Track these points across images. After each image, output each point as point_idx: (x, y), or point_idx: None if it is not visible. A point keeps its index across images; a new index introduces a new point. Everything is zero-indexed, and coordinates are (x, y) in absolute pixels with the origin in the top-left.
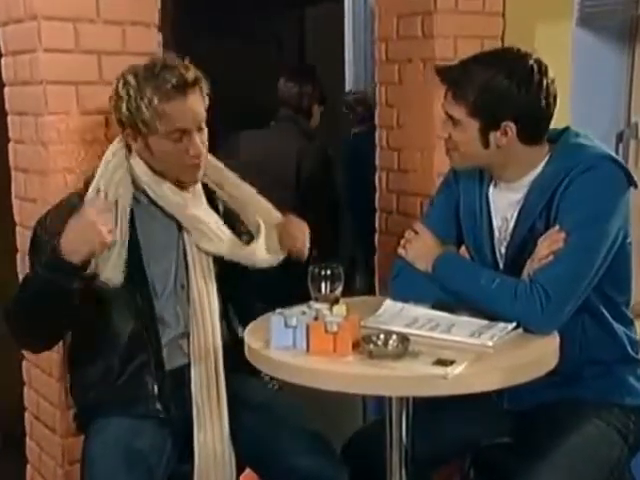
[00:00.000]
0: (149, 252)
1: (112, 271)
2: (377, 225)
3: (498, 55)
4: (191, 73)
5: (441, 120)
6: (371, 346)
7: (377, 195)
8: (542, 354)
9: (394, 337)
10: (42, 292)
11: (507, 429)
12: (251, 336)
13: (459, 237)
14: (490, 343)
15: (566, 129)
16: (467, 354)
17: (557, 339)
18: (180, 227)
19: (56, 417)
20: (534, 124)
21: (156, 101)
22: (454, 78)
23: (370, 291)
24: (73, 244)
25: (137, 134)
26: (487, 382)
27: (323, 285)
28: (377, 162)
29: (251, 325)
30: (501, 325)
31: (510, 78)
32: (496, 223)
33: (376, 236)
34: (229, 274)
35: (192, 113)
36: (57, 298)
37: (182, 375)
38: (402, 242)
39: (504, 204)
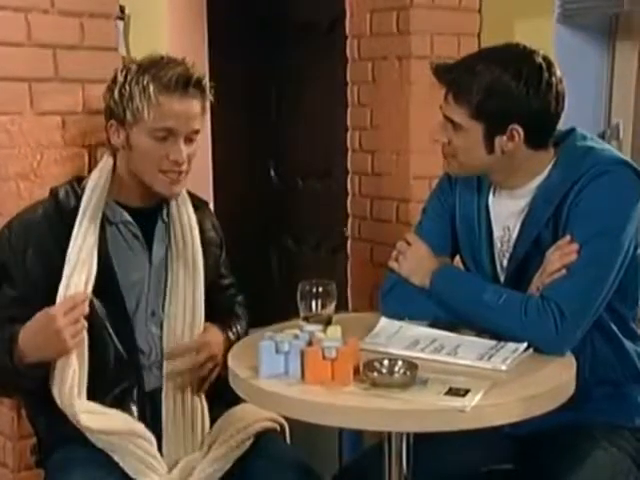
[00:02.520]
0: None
1: None
2: (350, 231)
3: (502, 53)
4: (196, 73)
5: (439, 124)
6: (375, 374)
7: (349, 200)
8: (563, 380)
9: (399, 363)
10: None
11: (509, 455)
12: (236, 362)
13: (454, 248)
14: (503, 367)
15: (572, 130)
16: (480, 381)
17: (574, 361)
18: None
19: (7, 449)
20: (543, 127)
21: (151, 88)
22: (455, 79)
23: None
24: (31, 347)
25: (121, 125)
26: (508, 414)
27: (314, 303)
28: (349, 165)
29: (234, 349)
30: (511, 346)
31: (517, 78)
32: (497, 233)
33: (349, 243)
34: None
35: (187, 116)
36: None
37: (160, 397)
38: (394, 254)
39: (505, 213)
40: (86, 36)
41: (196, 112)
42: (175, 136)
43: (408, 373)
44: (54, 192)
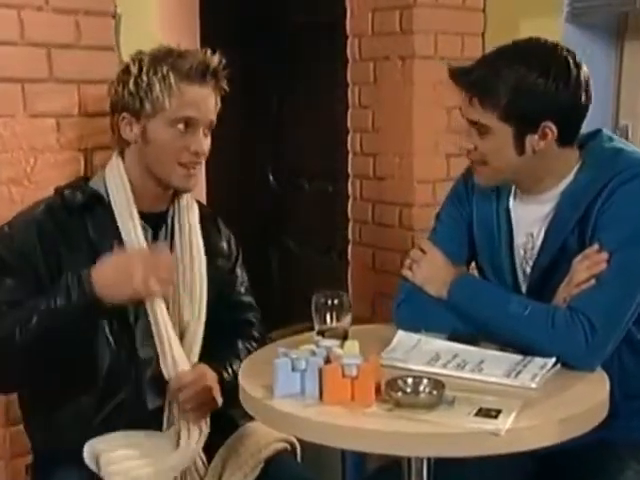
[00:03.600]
0: None
1: None
2: (350, 236)
3: (525, 50)
4: (215, 59)
5: (463, 129)
6: (399, 394)
7: (350, 204)
8: (598, 399)
9: (425, 382)
10: (52, 327)
11: (532, 474)
12: (248, 380)
13: (470, 256)
14: (533, 385)
15: (598, 132)
16: (511, 400)
17: (606, 377)
18: None
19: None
20: (574, 122)
21: (172, 77)
22: (478, 81)
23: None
24: (109, 284)
25: (136, 117)
26: (543, 437)
27: (329, 316)
28: (350, 169)
29: (245, 364)
30: (539, 361)
31: (545, 75)
32: (519, 240)
33: (349, 247)
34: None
35: (206, 105)
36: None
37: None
38: (407, 262)
39: (529, 219)
40: (82, 35)
41: (213, 102)
42: (195, 126)
43: (434, 392)
44: (59, 190)
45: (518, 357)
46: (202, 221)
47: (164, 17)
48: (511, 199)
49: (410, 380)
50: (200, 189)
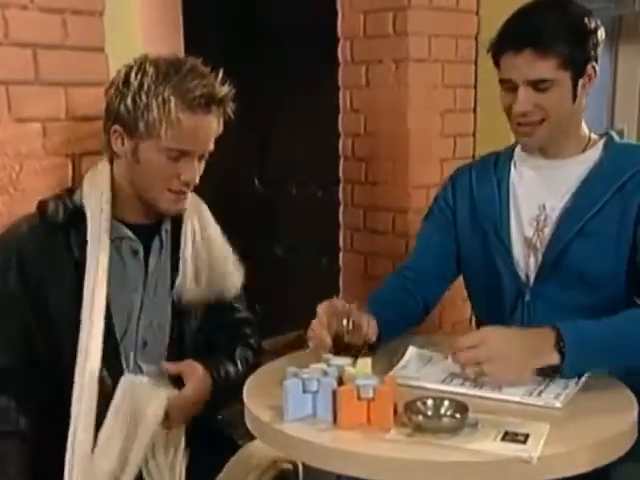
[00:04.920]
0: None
1: None
2: (342, 242)
3: (556, 2)
4: (223, 89)
5: (518, 96)
6: (419, 418)
7: (341, 209)
8: (629, 421)
9: (446, 404)
10: None
11: None
12: (253, 401)
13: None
14: (558, 404)
15: (606, 133)
16: (537, 423)
17: (633, 397)
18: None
19: None
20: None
21: (173, 105)
22: (532, 32)
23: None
24: None
25: (129, 135)
26: (576, 464)
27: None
28: (341, 174)
29: (249, 383)
30: (561, 381)
31: (588, 14)
32: (527, 211)
33: (340, 254)
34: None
35: (206, 136)
36: None
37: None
38: (471, 369)
39: (539, 188)
40: (69, 35)
41: (215, 130)
42: (189, 156)
43: (457, 415)
44: (42, 206)
45: (538, 377)
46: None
47: (146, 16)
48: (512, 169)
49: (430, 402)
50: None
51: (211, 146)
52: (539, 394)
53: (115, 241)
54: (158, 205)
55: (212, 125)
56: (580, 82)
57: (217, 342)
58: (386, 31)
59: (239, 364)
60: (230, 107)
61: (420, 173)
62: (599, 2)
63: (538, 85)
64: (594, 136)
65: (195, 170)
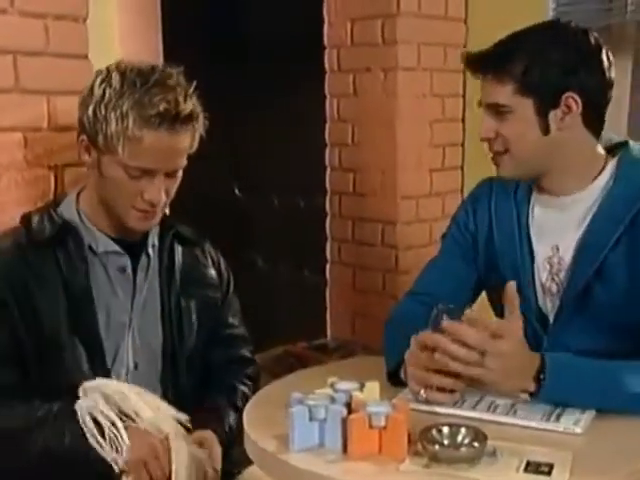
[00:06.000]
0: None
1: None
2: (329, 254)
3: (539, 25)
4: (188, 105)
5: (482, 120)
6: (436, 447)
7: (328, 221)
8: None
9: (463, 431)
10: None
11: None
12: (255, 429)
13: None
14: (578, 430)
15: (625, 143)
16: (559, 451)
17: None
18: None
19: None
20: (598, 99)
21: (131, 119)
22: (492, 56)
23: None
24: None
25: (92, 145)
26: None
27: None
28: (327, 184)
29: (249, 408)
30: None
31: (564, 42)
32: (542, 252)
33: (327, 266)
34: None
35: (170, 155)
36: None
37: None
38: (468, 356)
39: (553, 227)
40: (51, 41)
41: (183, 148)
42: (152, 174)
43: (476, 444)
44: (25, 220)
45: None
46: (189, 246)
47: (124, 21)
48: (530, 207)
49: (446, 430)
50: None
51: (181, 163)
52: (557, 418)
53: (100, 256)
54: (125, 222)
55: (179, 144)
56: (552, 113)
57: (212, 362)
58: (374, 39)
59: (240, 405)
60: (201, 124)
61: (409, 183)
62: (588, 12)
63: (498, 109)
64: (608, 157)
65: (158, 190)
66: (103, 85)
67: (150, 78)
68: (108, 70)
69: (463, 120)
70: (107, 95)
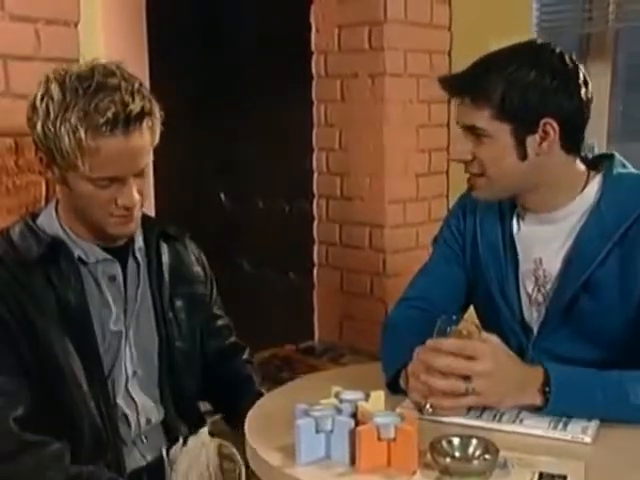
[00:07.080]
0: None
1: None
2: (316, 257)
3: (517, 47)
4: (137, 103)
5: (459, 140)
6: (447, 460)
7: (315, 224)
8: None
9: (474, 443)
10: None
11: None
12: (258, 441)
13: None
14: (587, 439)
15: (611, 155)
16: (570, 461)
17: None
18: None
19: None
20: (576, 122)
21: (82, 133)
22: (470, 80)
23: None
24: None
25: (52, 163)
26: None
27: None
28: (315, 188)
29: (250, 419)
30: None
31: (540, 67)
32: (525, 267)
33: (315, 270)
34: None
35: (132, 157)
36: None
37: None
38: (453, 380)
39: (534, 242)
40: (42, 45)
41: (143, 146)
42: (121, 180)
43: (487, 457)
44: (5, 236)
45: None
46: (173, 243)
47: (108, 22)
48: (514, 221)
49: (457, 441)
50: (148, 204)
51: (145, 161)
52: (565, 427)
53: (90, 266)
54: (105, 230)
55: (138, 144)
56: (529, 139)
57: (208, 356)
58: (362, 45)
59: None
60: (157, 116)
61: (396, 188)
62: (570, 20)
63: (473, 133)
64: (592, 172)
65: (131, 193)
66: (45, 99)
67: (91, 82)
68: (47, 81)
69: (448, 125)
70: (51, 110)
